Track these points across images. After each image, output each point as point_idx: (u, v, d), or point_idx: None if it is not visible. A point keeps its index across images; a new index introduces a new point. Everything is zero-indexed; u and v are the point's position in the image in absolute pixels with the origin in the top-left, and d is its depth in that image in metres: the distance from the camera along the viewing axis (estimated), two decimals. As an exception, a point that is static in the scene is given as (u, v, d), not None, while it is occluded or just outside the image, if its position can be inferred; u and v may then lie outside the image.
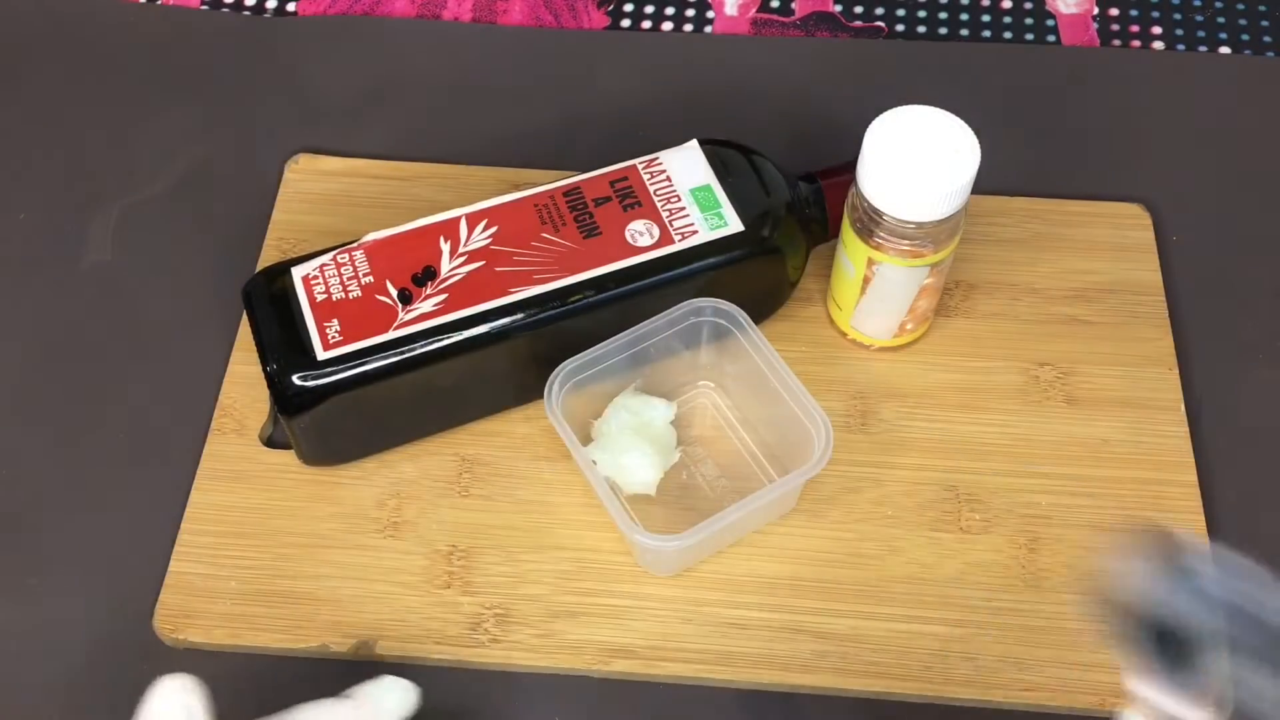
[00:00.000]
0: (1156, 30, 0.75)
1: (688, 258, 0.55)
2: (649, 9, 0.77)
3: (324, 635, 0.53)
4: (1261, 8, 0.76)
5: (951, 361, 0.60)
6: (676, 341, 0.57)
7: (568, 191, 0.57)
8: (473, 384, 0.56)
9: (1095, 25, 0.76)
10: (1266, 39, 0.75)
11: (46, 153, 0.70)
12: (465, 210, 0.56)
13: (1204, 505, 0.56)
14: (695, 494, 0.56)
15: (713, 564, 0.54)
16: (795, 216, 0.58)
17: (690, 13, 0.77)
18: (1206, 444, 0.58)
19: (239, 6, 0.77)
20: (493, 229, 0.56)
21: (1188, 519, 0.55)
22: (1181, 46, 0.74)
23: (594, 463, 0.54)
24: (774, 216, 0.57)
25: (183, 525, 0.56)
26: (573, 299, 0.54)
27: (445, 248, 0.55)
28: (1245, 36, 0.75)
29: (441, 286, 0.54)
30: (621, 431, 0.55)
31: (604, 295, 0.55)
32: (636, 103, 0.72)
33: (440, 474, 0.57)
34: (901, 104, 0.54)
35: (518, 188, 0.66)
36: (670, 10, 0.77)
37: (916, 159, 0.52)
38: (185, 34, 0.75)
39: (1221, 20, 0.76)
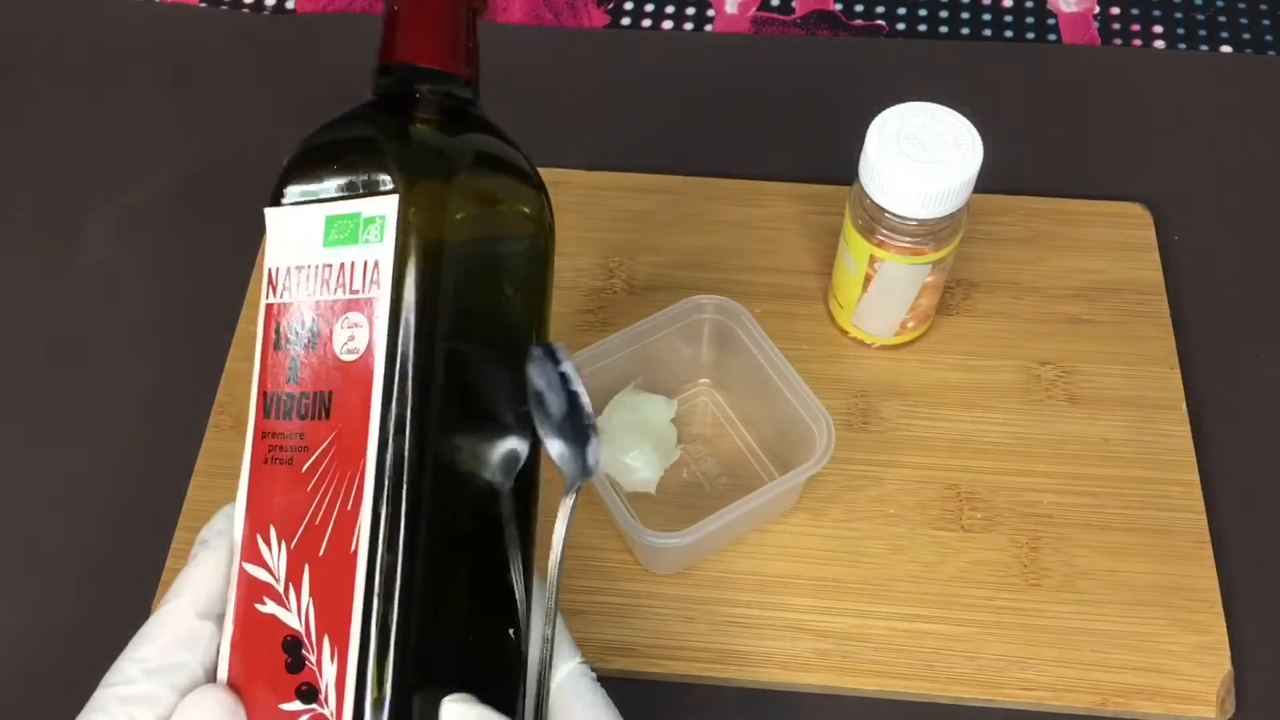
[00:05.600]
0: (1157, 29, 0.75)
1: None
2: (649, 7, 0.77)
3: (323, 633, 0.52)
4: (1262, 7, 0.76)
5: (953, 360, 0.60)
6: (677, 339, 0.57)
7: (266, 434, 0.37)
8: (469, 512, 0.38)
9: (1096, 24, 0.76)
10: (1268, 38, 0.75)
11: (45, 151, 0.70)
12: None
13: (1205, 504, 0.56)
14: (696, 492, 0.56)
15: (713, 562, 0.54)
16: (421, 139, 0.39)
17: (690, 11, 0.76)
18: (1208, 443, 0.58)
19: (238, 4, 0.77)
20: (281, 543, 0.36)
21: (1189, 518, 0.55)
22: (1182, 45, 0.74)
23: (594, 460, 0.53)
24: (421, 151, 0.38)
25: (180, 522, 0.55)
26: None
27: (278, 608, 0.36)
28: (1246, 36, 0.75)
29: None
30: (622, 429, 0.55)
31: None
32: (636, 102, 0.72)
33: (440, 472, 0.57)
34: (901, 103, 0.54)
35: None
36: (670, 9, 0.77)
37: (919, 155, 0.52)
38: (184, 31, 0.75)
39: (1222, 19, 0.76)
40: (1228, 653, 0.52)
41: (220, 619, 0.36)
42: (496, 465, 0.38)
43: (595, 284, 0.63)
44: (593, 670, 0.41)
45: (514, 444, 0.39)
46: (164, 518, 0.56)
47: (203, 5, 0.76)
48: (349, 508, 0.34)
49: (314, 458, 0.35)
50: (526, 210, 0.40)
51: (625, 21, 0.76)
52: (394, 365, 0.34)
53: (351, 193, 0.36)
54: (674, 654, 0.52)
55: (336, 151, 0.38)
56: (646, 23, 0.76)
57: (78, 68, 0.73)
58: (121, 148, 0.70)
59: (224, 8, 0.76)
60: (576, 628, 0.52)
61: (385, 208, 0.35)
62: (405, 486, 0.34)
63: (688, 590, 0.54)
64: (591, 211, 0.65)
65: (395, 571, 0.34)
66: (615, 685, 0.52)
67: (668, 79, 0.73)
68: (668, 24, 0.76)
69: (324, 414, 0.35)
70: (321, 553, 0.34)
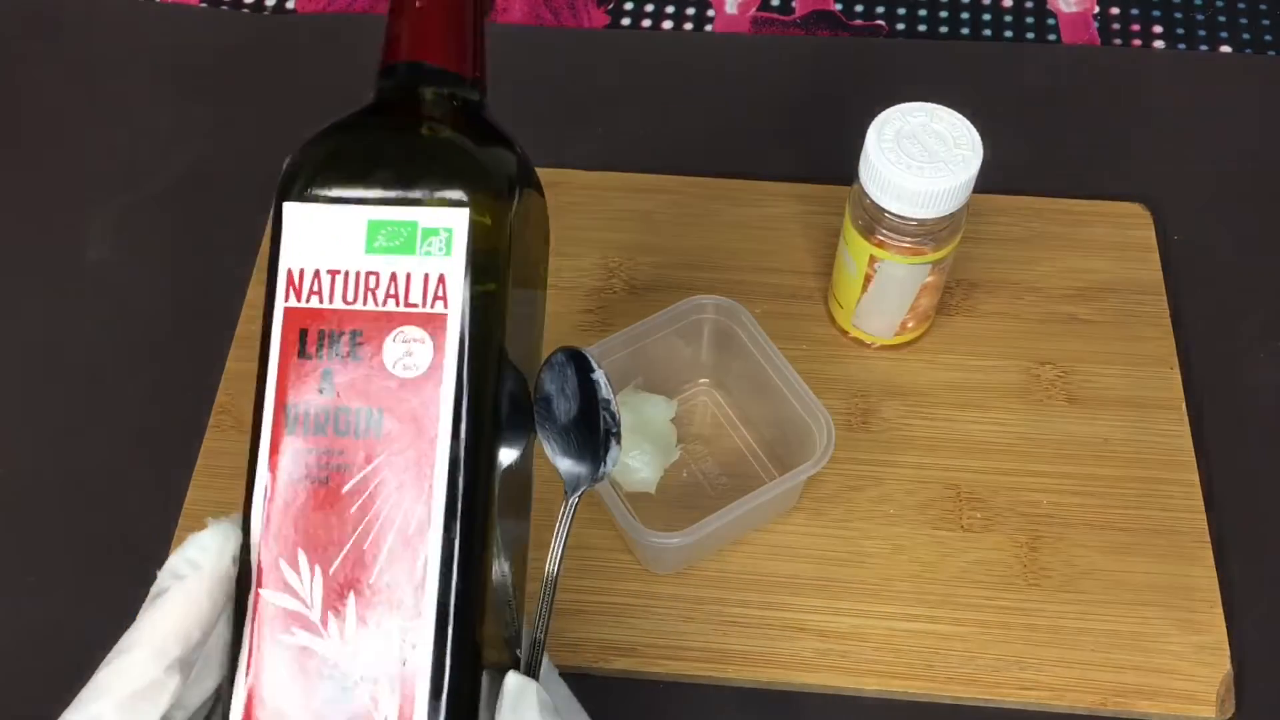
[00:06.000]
0: (1157, 29, 0.75)
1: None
2: (649, 7, 0.77)
3: (323, 633, 0.52)
4: (1262, 6, 0.76)
5: (953, 360, 0.60)
6: (677, 339, 0.57)
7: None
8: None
9: (1096, 24, 0.76)
10: (1267, 38, 0.75)
11: (45, 151, 0.70)
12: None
13: (1205, 504, 0.56)
14: (696, 492, 0.56)
15: (713, 562, 0.54)
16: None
17: (690, 11, 0.76)
18: (1208, 443, 0.58)
19: (238, 4, 0.77)
20: (315, 568, 0.34)
21: (1189, 518, 0.55)
22: (1182, 45, 0.74)
23: (594, 460, 0.53)
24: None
25: (180, 522, 0.55)
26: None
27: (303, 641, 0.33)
28: (1246, 35, 0.75)
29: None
30: (622, 429, 0.55)
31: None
32: (636, 102, 0.72)
33: (440, 472, 0.57)
34: (901, 103, 0.54)
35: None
36: (670, 9, 0.77)
37: (919, 155, 0.52)
38: (184, 32, 0.75)
39: (1222, 19, 0.76)
40: (1228, 653, 0.52)
41: (190, 667, 0.33)
42: (516, 474, 0.37)
43: (595, 284, 0.63)
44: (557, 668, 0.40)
45: (524, 451, 0.38)
46: (164, 518, 0.56)
47: (203, 5, 0.76)
48: (411, 532, 0.33)
49: (359, 478, 0.34)
50: (547, 228, 0.41)
51: (625, 21, 0.76)
52: (467, 388, 0.33)
53: (404, 199, 0.34)
54: (674, 654, 0.52)
55: (376, 153, 0.36)
56: (646, 23, 0.76)
57: (78, 68, 0.73)
58: (121, 148, 0.70)
59: (224, 8, 0.76)
60: (576, 628, 0.52)
61: (453, 220, 0.34)
62: (475, 510, 0.33)
63: (688, 590, 0.54)
64: (591, 211, 0.65)
65: (464, 600, 0.33)
66: (615, 685, 0.52)
67: (668, 79, 0.73)
68: (668, 24, 0.76)
69: (373, 432, 0.34)
70: (372, 580, 0.33)
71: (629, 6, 0.77)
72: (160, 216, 0.67)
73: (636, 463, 0.54)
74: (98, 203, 0.68)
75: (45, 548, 0.56)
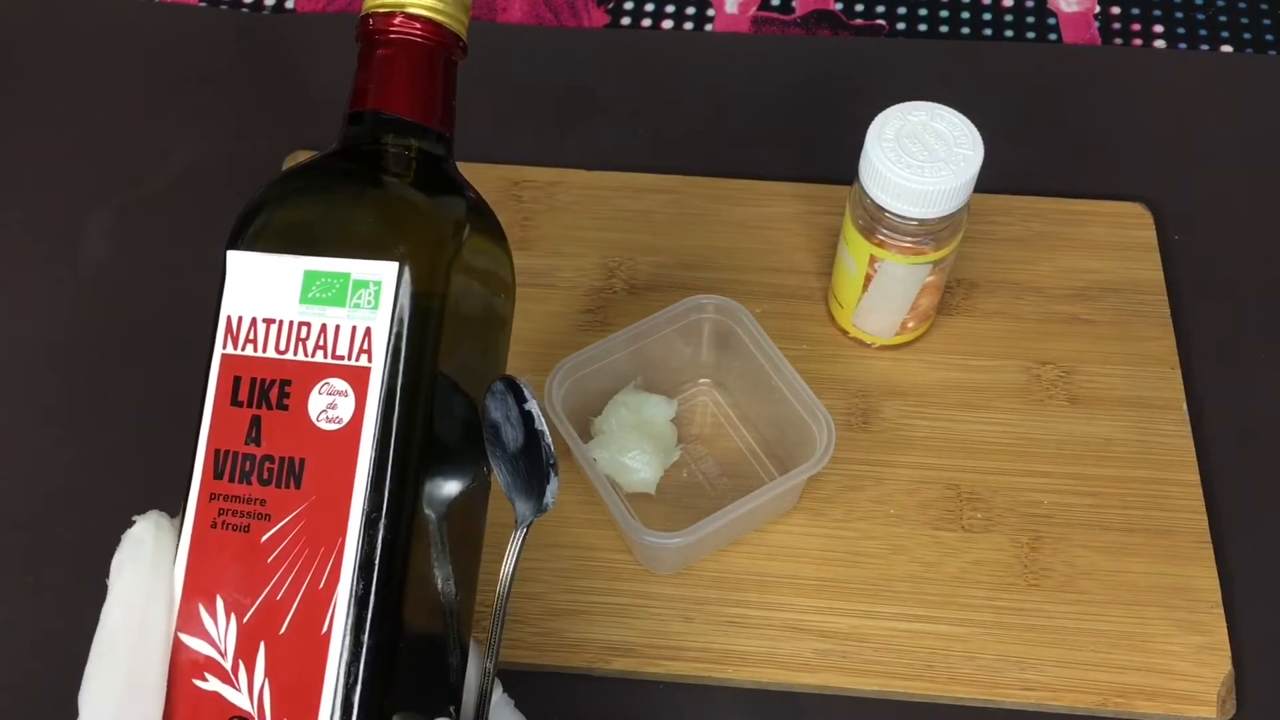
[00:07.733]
0: (1158, 29, 0.75)
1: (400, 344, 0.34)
2: (649, 7, 0.77)
3: (322, 633, 0.52)
4: (1262, 6, 0.76)
5: (953, 360, 0.60)
6: (677, 339, 0.57)
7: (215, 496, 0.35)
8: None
9: (1096, 24, 0.76)
10: (1268, 38, 0.75)
11: (45, 151, 0.70)
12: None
13: (1206, 504, 0.56)
14: (696, 492, 0.56)
15: (713, 562, 0.54)
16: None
17: (690, 10, 0.76)
18: (1208, 443, 0.58)
19: (238, 4, 0.77)
20: (230, 616, 0.34)
21: (1189, 518, 0.55)
22: (1183, 45, 0.74)
23: (594, 460, 0.53)
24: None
25: (180, 523, 0.55)
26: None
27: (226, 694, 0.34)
28: (1247, 35, 0.75)
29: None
30: (621, 429, 0.55)
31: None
32: (636, 102, 0.72)
33: (439, 472, 0.57)
34: (901, 103, 0.54)
35: (517, 185, 0.66)
36: (670, 9, 0.77)
37: (919, 155, 0.52)
38: (183, 31, 0.75)
39: (1223, 19, 0.76)
40: (1228, 653, 0.52)
41: None
42: (457, 512, 0.37)
43: (595, 284, 0.63)
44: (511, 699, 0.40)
45: (472, 485, 0.38)
46: (163, 518, 0.56)
47: (202, 5, 0.76)
48: (320, 586, 0.33)
49: (277, 528, 0.34)
50: (503, 272, 0.41)
51: (625, 21, 0.76)
52: (388, 444, 0.33)
53: (340, 251, 0.35)
54: (673, 654, 0.52)
55: (321, 204, 0.37)
56: (646, 23, 0.76)
57: (78, 68, 0.73)
58: (121, 148, 0.70)
59: (224, 8, 0.76)
60: (576, 628, 0.52)
61: (381, 273, 0.34)
62: (390, 567, 0.33)
63: (687, 590, 0.53)
64: (591, 211, 0.65)
65: (373, 655, 0.33)
66: (615, 685, 0.52)
67: (668, 79, 0.73)
68: (668, 24, 0.76)
69: (294, 483, 0.34)
70: (283, 631, 0.33)
71: (629, 6, 0.77)
72: (159, 216, 0.67)
73: (636, 463, 0.54)
74: (96, 203, 0.68)
75: (45, 548, 0.56)
